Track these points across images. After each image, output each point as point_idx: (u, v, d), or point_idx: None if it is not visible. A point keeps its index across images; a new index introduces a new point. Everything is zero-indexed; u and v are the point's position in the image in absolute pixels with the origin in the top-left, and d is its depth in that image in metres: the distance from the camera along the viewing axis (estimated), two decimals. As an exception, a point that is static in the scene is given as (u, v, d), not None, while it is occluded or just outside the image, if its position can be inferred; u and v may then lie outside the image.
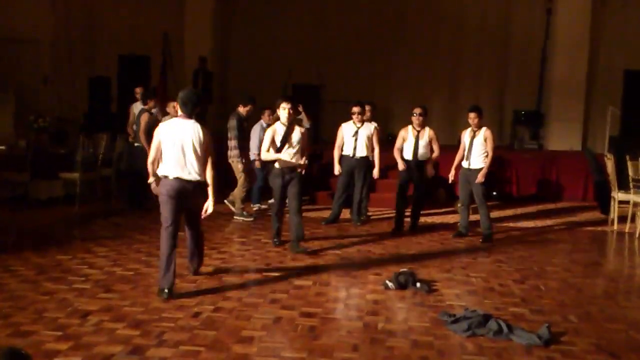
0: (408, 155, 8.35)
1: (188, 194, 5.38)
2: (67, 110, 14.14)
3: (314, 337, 4.57)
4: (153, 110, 9.32)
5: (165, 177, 5.36)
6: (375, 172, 8.80)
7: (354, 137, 8.77)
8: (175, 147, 5.32)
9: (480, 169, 7.95)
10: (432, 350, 4.38)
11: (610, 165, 9.30)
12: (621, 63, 13.15)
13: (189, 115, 5.42)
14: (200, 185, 5.44)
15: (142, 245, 7.26)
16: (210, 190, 5.52)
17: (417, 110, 8.37)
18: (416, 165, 8.30)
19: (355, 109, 8.72)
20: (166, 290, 5.27)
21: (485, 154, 8.00)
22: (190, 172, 5.34)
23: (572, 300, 5.69)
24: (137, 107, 10.37)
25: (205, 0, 14.70)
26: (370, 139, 8.80)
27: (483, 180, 7.92)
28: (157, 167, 5.44)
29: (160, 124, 5.66)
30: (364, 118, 8.99)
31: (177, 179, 5.32)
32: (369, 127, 8.86)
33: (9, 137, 11.71)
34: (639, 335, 4.83)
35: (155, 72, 13.65)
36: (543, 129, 14.18)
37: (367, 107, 9.31)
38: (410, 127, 8.41)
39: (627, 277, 7.03)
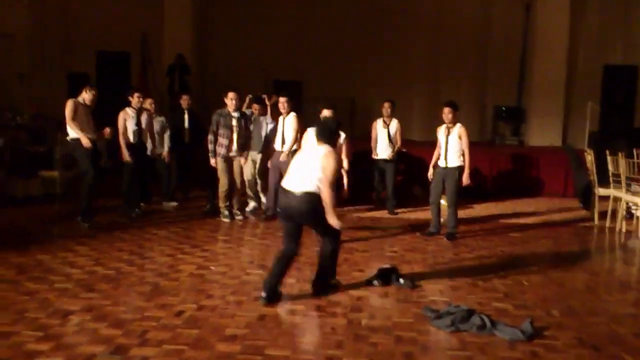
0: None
1: None
2: (45, 107, 13.97)
3: (298, 334, 4.56)
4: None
5: None
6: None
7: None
8: None
9: (457, 167, 7.74)
10: (416, 345, 4.38)
11: (590, 160, 9.37)
12: (600, 58, 13.28)
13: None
14: None
15: (124, 244, 7.19)
16: None
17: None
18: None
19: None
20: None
21: (461, 151, 7.76)
22: None
23: (555, 295, 5.74)
24: None
25: (185, -4, 14.61)
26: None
27: (469, 181, 7.76)
28: None
29: None
30: (386, 115, 9.47)
31: None
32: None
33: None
34: (621, 328, 4.88)
35: (135, 68, 13.53)
36: (524, 125, 14.28)
37: (387, 104, 9.52)
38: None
39: (608, 271, 7.10)
